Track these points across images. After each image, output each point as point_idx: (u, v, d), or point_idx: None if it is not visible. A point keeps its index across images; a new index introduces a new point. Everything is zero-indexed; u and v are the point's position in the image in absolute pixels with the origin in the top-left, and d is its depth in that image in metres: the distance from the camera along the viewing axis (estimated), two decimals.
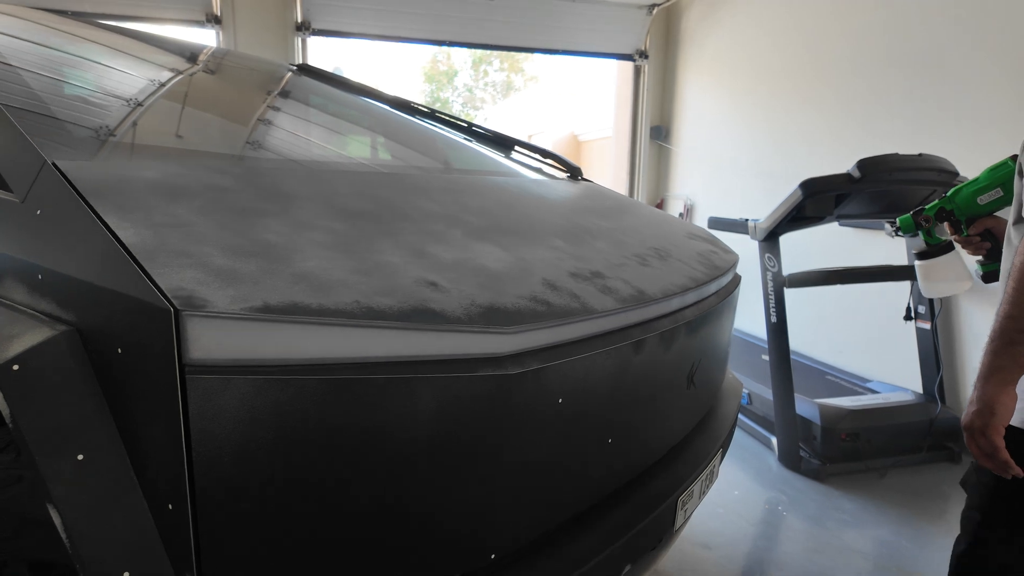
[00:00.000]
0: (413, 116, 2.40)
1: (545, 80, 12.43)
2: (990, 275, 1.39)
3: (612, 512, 1.08)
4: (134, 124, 1.30)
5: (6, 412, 0.73)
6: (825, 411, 2.72)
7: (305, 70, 2.59)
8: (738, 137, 4.56)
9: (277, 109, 1.93)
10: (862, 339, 3.56)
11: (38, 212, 0.86)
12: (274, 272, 0.77)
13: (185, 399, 0.67)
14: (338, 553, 0.76)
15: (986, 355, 1.11)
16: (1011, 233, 1.17)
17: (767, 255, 2.83)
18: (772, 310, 2.81)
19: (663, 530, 1.17)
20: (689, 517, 1.37)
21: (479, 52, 21.18)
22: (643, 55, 5.22)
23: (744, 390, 3.25)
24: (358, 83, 2.53)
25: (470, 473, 0.82)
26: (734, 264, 1.67)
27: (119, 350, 0.73)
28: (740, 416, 3.22)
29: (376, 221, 1.03)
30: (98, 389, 0.76)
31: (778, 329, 2.80)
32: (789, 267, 2.84)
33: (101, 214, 0.78)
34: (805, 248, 3.65)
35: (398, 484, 0.77)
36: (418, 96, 21.21)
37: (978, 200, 1.36)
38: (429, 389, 0.77)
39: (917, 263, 1.58)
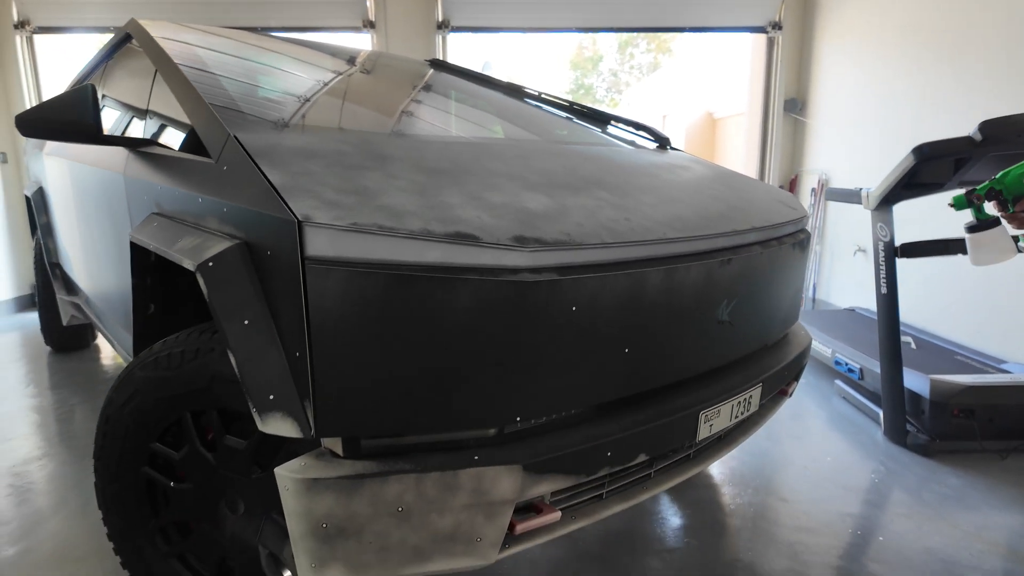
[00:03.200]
0: (521, 98, 2.71)
1: (685, 59, 12.13)
2: None
3: (631, 409, 1.31)
4: (293, 109, 1.75)
5: (205, 292, 1.15)
6: (936, 385, 2.62)
7: (436, 64, 3.01)
8: (880, 107, 4.30)
9: (404, 94, 2.34)
10: (1004, 318, 3.29)
11: (224, 168, 1.29)
12: (365, 203, 1.12)
13: (305, 282, 1.04)
14: (403, 395, 1.09)
15: None
16: None
17: (879, 224, 2.77)
18: (883, 280, 2.75)
19: (684, 436, 1.38)
20: (719, 435, 1.54)
21: (625, 36, 20.97)
22: (776, 26, 5.07)
23: (855, 364, 3.18)
24: (476, 72, 2.89)
25: (497, 352, 1.11)
26: (795, 220, 1.77)
27: (268, 252, 1.12)
28: (850, 391, 3.17)
29: (450, 175, 1.35)
30: (256, 279, 1.16)
31: (888, 300, 2.73)
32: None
33: (261, 167, 1.18)
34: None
35: (441, 352, 1.09)
36: (563, 84, 21.55)
37: None
38: (465, 287, 1.07)
39: (967, 236, 1.74)
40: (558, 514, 1.24)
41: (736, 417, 1.51)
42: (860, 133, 4.53)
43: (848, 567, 1.89)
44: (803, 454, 2.65)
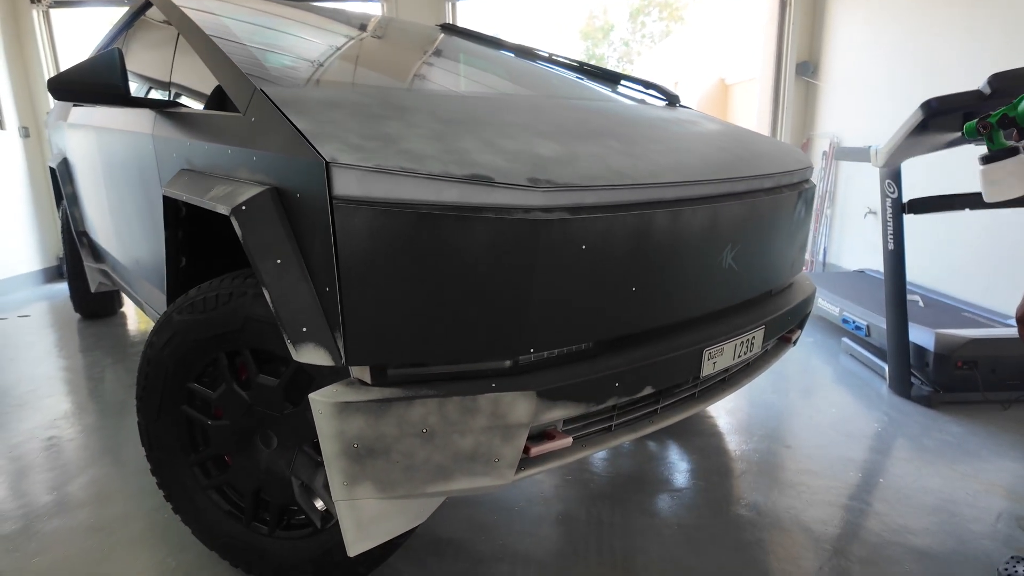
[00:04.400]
0: (532, 59, 2.75)
1: (697, 26, 11.97)
2: None
3: (638, 345, 1.39)
4: (312, 67, 1.81)
5: (240, 234, 1.24)
6: (941, 338, 2.68)
7: (447, 28, 3.05)
8: (892, 70, 4.27)
9: (419, 55, 2.39)
10: (1012, 276, 3.31)
11: (252, 120, 1.36)
12: (388, 147, 1.19)
13: (333, 220, 1.12)
14: (425, 327, 1.17)
15: None
16: None
17: (887, 181, 2.79)
18: (890, 236, 2.79)
19: (688, 372, 1.46)
20: (722, 375, 1.61)
21: (636, 4, 20.60)
22: None
23: (862, 322, 3.23)
24: (485, 34, 2.93)
25: (511, 287, 1.19)
26: (799, 170, 1.82)
27: (298, 195, 1.20)
28: (857, 348, 3.23)
29: (465, 125, 1.42)
30: (287, 222, 1.24)
31: (895, 255, 2.77)
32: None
33: (288, 116, 1.25)
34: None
35: (459, 286, 1.17)
36: (573, 54, 21.31)
37: None
38: (481, 224, 1.15)
39: (980, 169, 1.59)
40: (569, 440, 1.33)
41: (739, 356, 1.59)
42: (872, 96, 4.50)
43: (849, 503, 1.98)
44: (808, 406, 2.73)
